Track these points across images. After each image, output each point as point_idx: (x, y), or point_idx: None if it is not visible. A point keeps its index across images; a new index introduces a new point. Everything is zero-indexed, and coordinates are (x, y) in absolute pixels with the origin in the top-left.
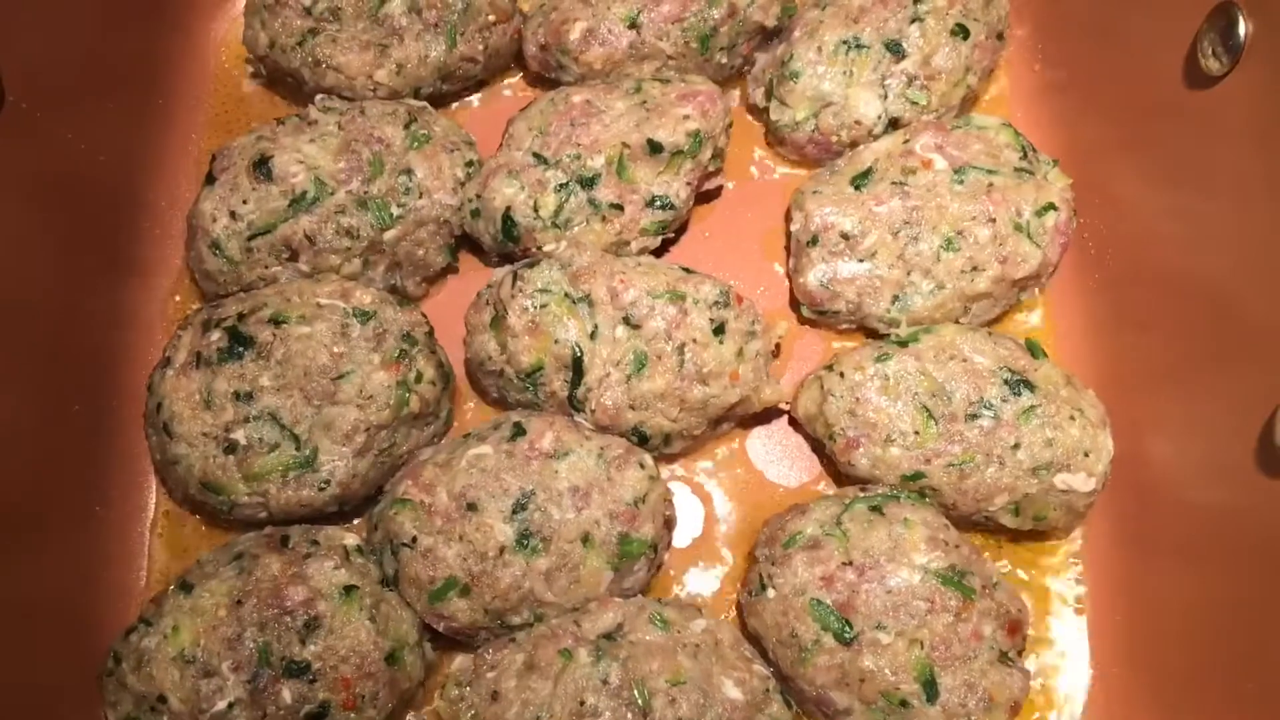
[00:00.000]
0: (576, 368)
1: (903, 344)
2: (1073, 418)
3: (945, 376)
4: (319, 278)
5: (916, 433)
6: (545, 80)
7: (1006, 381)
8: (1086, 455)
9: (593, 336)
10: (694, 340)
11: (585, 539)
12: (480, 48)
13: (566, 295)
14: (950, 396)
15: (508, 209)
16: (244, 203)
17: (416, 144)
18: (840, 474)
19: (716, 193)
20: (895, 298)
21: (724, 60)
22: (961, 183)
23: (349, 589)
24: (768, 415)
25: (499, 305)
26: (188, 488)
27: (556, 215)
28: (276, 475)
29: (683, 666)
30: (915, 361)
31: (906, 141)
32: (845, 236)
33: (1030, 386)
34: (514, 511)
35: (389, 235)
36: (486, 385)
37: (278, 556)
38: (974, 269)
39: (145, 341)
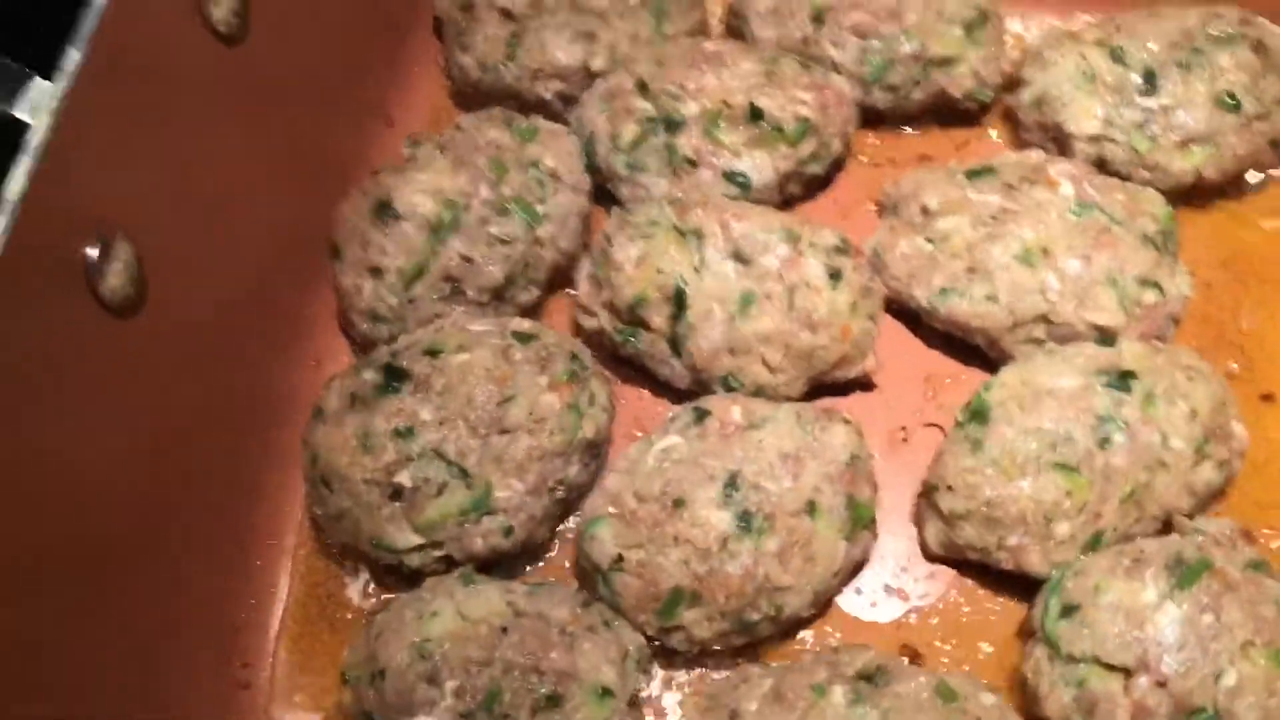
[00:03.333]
0: (679, 301)
1: (978, 416)
2: (1190, 378)
3: (1049, 419)
4: (468, 311)
5: (1069, 494)
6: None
7: (1108, 384)
8: (1225, 405)
9: (698, 270)
10: (807, 284)
11: (810, 509)
12: (686, 26)
13: (674, 227)
14: (1068, 436)
15: (592, 135)
16: (383, 254)
17: (527, 136)
18: None
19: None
20: (942, 289)
21: (881, 102)
22: (1078, 215)
23: (605, 693)
24: (851, 387)
25: (604, 241)
26: (358, 544)
27: (632, 150)
28: (452, 522)
29: None
30: (1010, 426)
31: (1046, 160)
32: (925, 211)
33: (1130, 375)
34: (726, 495)
35: (543, 231)
36: None
37: (570, 611)
38: (1040, 293)
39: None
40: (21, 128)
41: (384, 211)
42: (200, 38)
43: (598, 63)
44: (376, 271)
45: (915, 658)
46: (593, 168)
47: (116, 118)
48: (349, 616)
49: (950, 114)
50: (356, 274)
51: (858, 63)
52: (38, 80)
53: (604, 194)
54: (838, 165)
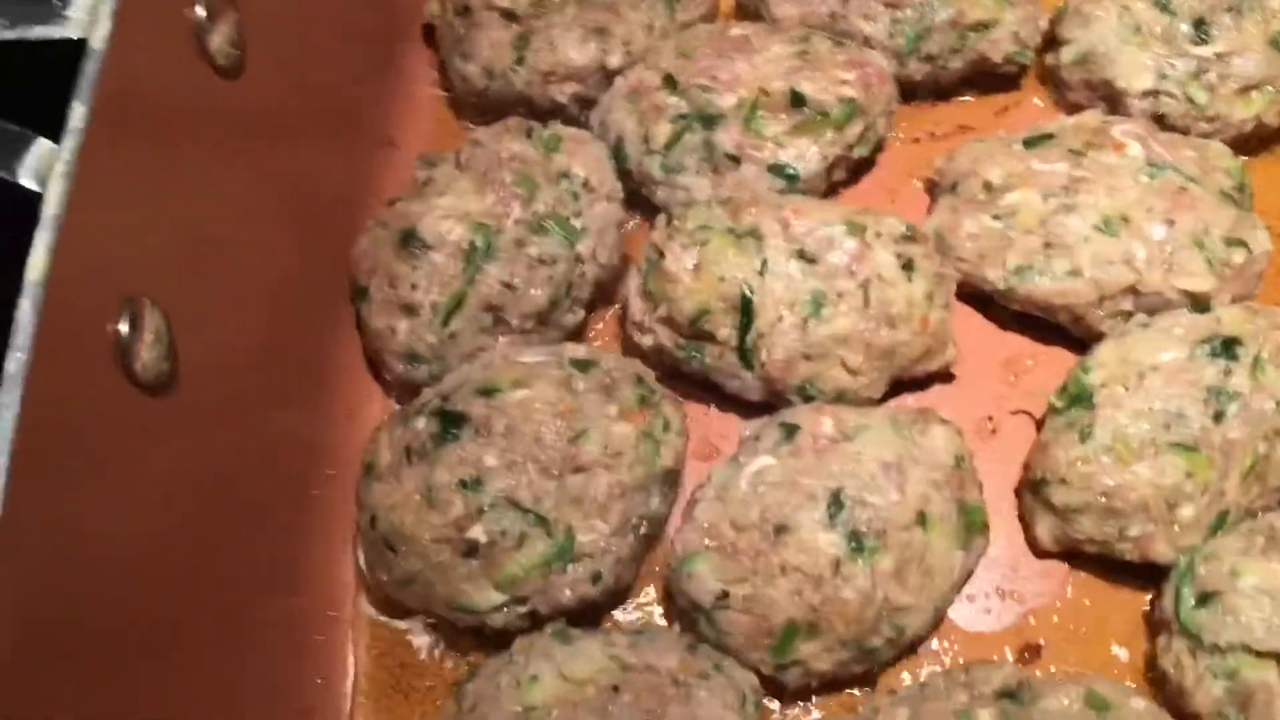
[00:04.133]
0: (746, 309)
1: (1079, 401)
2: None
3: (1158, 398)
4: (512, 341)
5: (1190, 475)
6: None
7: (1212, 353)
8: None
9: (762, 274)
10: (880, 277)
11: (922, 520)
12: (699, 11)
13: (730, 230)
14: (1181, 413)
15: (619, 138)
16: (415, 289)
17: (550, 146)
18: None
19: (855, 178)
20: (1018, 268)
21: (918, 74)
22: (1151, 177)
23: None
24: (929, 380)
25: (654, 252)
26: (432, 607)
27: (667, 150)
28: (536, 575)
29: None
30: (1116, 409)
31: (1106, 122)
32: (988, 187)
33: (1234, 340)
34: (831, 515)
35: (583, 247)
36: None
37: (679, 658)
38: (1126, 263)
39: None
40: (31, 197)
41: (410, 242)
42: (200, 74)
43: (614, 60)
44: (410, 309)
45: (1034, 658)
46: (624, 173)
47: (129, 174)
48: (425, 685)
49: (988, 80)
50: (388, 314)
51: (890, 35)
52: (41, 142)
53: (636, 200)
54: (880, 146)
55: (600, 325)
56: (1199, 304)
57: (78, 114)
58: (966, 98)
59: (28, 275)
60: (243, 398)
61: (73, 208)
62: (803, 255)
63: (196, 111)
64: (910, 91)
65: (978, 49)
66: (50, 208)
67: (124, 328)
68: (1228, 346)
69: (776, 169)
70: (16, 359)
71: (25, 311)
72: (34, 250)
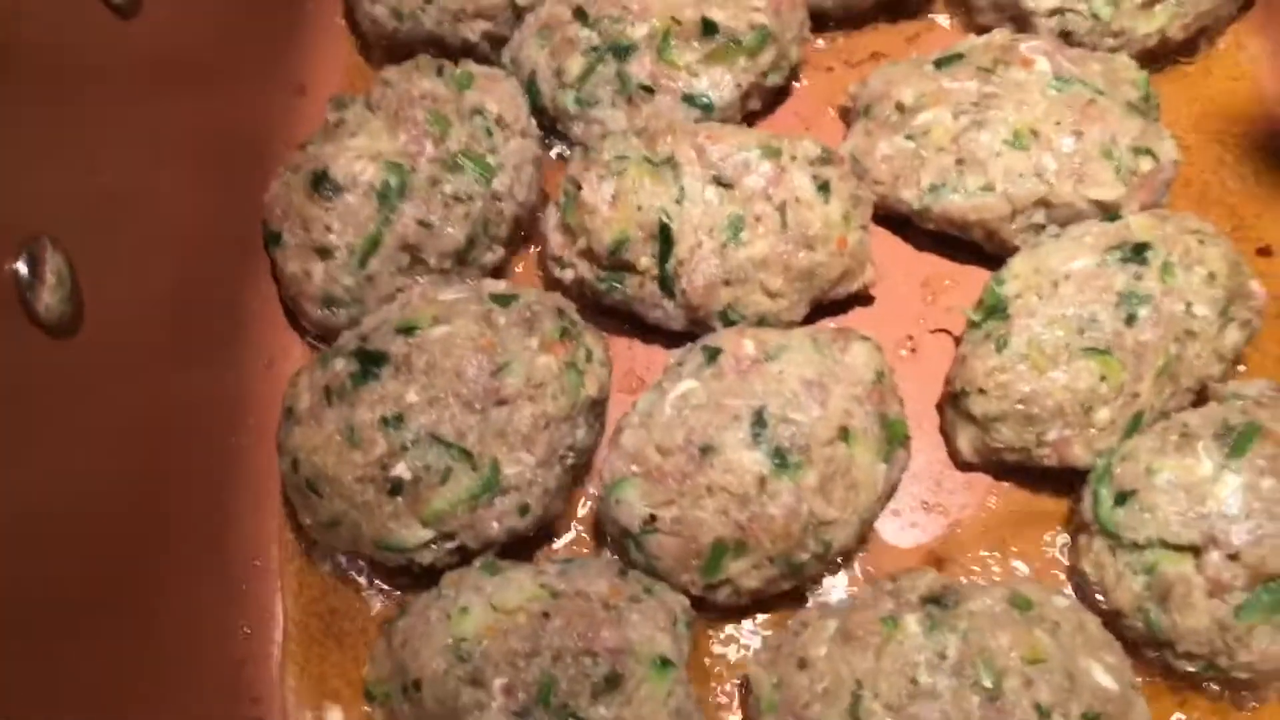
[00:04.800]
0: (665, 237)
1: (994, 312)
2: (1201, 241)
3: (1069, 305)
4: (432, 281)
5: (1104, 378)
6: None
7: (1122, 259)
8: (1239, 265)
9: (679, 201)
10: (796, 199)
11: (844, 434)
12: None
13: (646, 159)
14: (1094, 319)
15: (532, 74)
16: (329, 232)
17: (463, 84)
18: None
19: (770, 108)
20: (932, 186)
21: (830, 1)
22: (1059, 91)
23: (664, 663)
24: (849, 302)
25: (571, 185)
26: (359, 549)
27: (580, 84)
28: (463, 509)
29: (1041, 643)
30: (1030, 318)
31: (1014, 39)
32: (900, 108)
33: (1144, 246)
34: (755, 434)
35: (499, 184)
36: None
37: (609, 583)
38: (1037, 175)
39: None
40: None
41: (322, 185)
42: (95, 11)
43: None
44: (324, 252)
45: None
46: (538, 109)
47: (22, 113)
48: (357, 628)
49: (897, 7)
50: (302, 258)
51: None
52: None
53: (552, 135)
54: (794, 75)
55: (521, 265)
56: (1109, 213)
57: None
58: (879, 24)
59: None
60: (155, 346)
61: None
62: (719, 181)
63: (93, 52)
64: (823, 21)
65: None
66: None
67: (22, 268)
68: (1138, 251)
69: (691, 98)
70: None
71: None
72: None
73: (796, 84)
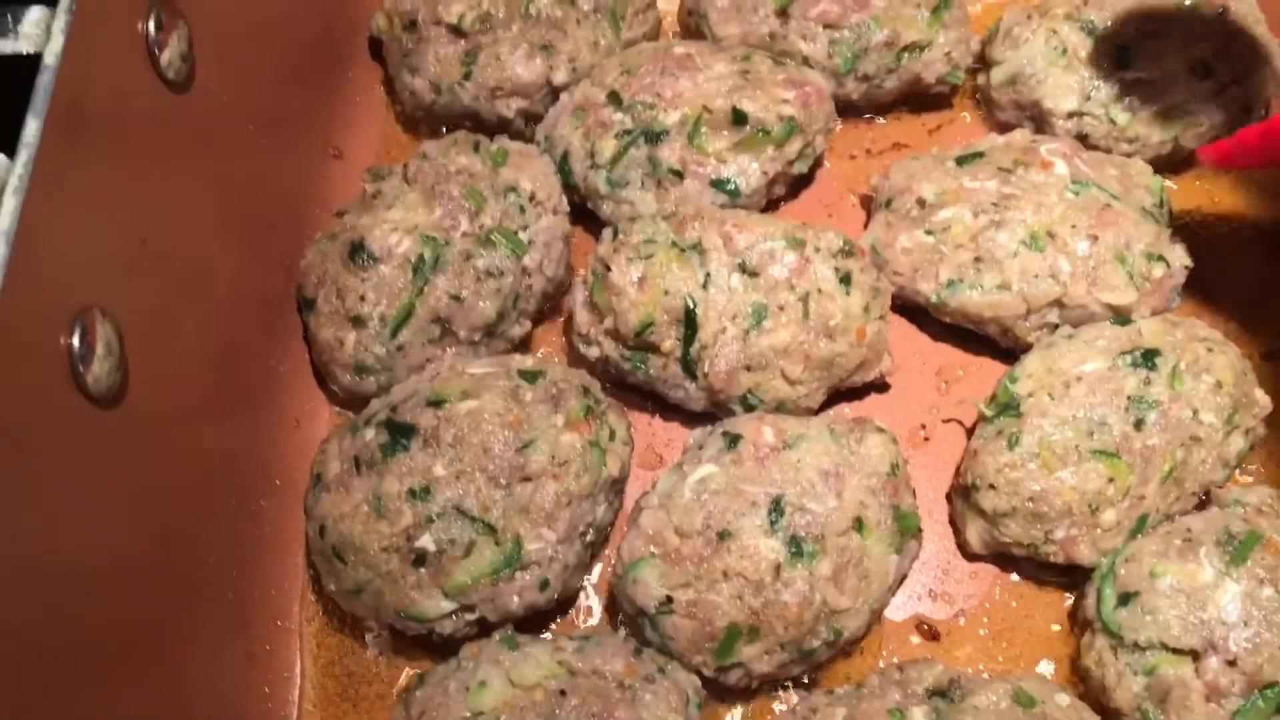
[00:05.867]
0: (690, 321)
1: (1007, 409)
2: (1210, 349)
3: (1080, 407)
4: (460, 353)
5: (1111, 480)
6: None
7: (1133, 364)
8: (1245, 374)
9: (705, 286)
10: (819, 290)
11: (859, 525)
12: (643, 30)
13: (674, 244)
14: (1104, 421)
15: (565, 153)
16: (363, 301)
17: (498, 160)
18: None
19: (794, 193)
20: (950, 281)
21: (855, 93)
22: (1076, 194)
23: None
24: (865, 390)
25: (600, 265)
26: (381, 617)
27: (613, 166)
28: (485, 583)
29: None
30: (1042, 417)
31: (1034, 141)
32: (921, 203)
33: (1154, 352)
34: (772, 522)
35: (529, 260)
36: None
37: (624, 662)
38: (1052, 276)
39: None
40: None
41: (358, 254)
42: (151, 86)
43: (560, 76)
44: (358, 320)
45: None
46: (569, 187)
47: (81, 187)
48: (374, 693)
49: (921, 99)
50: (336, 326)
51: (829, 55)
52: None
53: (581, 214)
54: (818, 163)
55: (546, 337)
56: (1120, 316)
57: (31, 129)
58: (902, 115)
59: None
60: (190, 408)
61: (26, 222)
62: (744, 269)
63: (147, 123)
64: (847, 109)
65: (912, 69)
66: (4, 222)
67: (75, 341)
68: (1148, 357)
69: (719, 184)
70: None
71: None
72: None
73: (820, 170)
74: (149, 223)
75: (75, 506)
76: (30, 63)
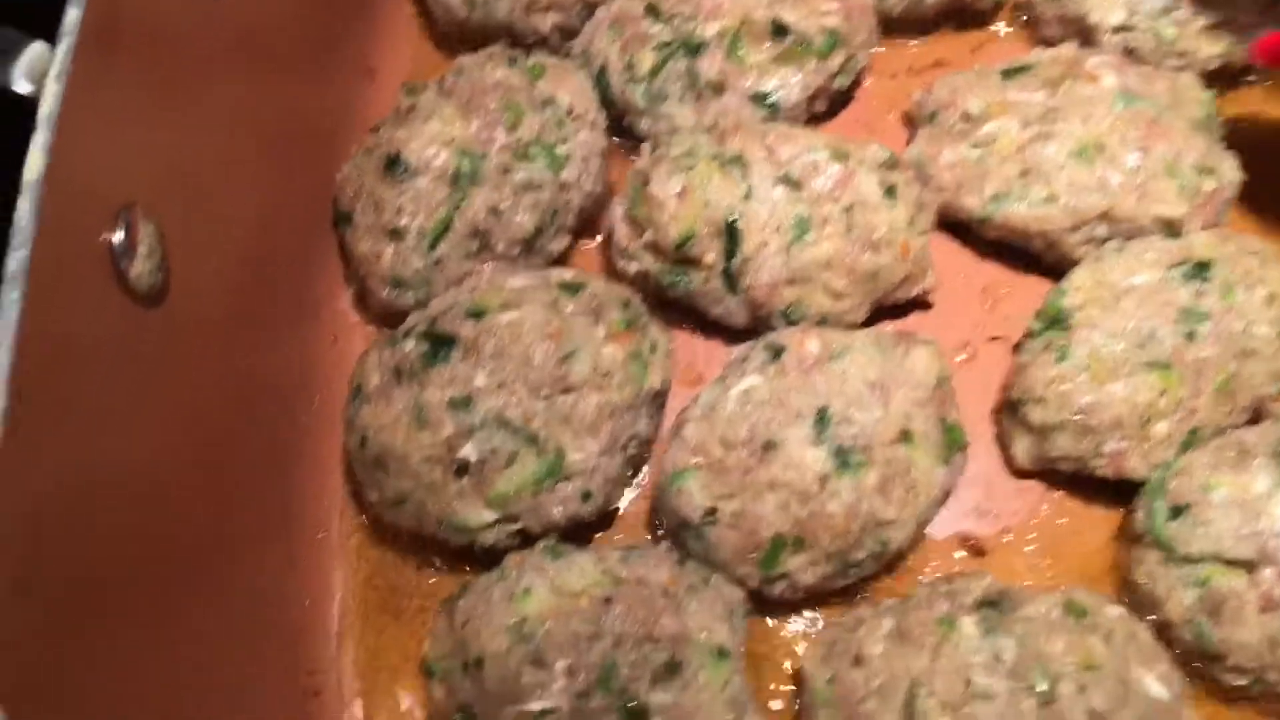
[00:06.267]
0: (731, 234)
1: (1056, 321)
2: (1262, 263)
3: (1131, 319)
4: (499, 266)
5: (1163, 393)
6: None
7: (1184, 276)
8: None
9: (747, 199)
10: (863, 203)
11: (905, 437)
12: None
13: (715, 156)
14: (1154, 333)
15: (603, 67)
16: (401, 214)
17: (536, 74)
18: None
19: (834, 111)
20: (996, 195)
21: (897, 7)
22: (1125, 106)
23: (722, 653)
24: (909, 307)
25: (639, 179)
26: (423, 527)
27: (651, 80)
28: (527, 492)
29: (1096, 650)
30: (1092, 330)
31: (1081, 54)
32: (967, 117)
33: (1205, 264)
34: (817, 432)
35: (568, 174)
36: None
37: (669, 571)
38: (1100, 189)
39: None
40: (25, 103)
41: (395, 167)
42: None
43: None
44: (396, 233)
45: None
46: (607, 101)
47: (120, 83)
48: (416, 605)
49: (964, 15)
50: (373, 239)
51: None
52: (36, 45)
53: (619, 129)
54: (859, 79)
55: (584, 261)
56: (1170, 230)
57: (71, 16)
58: (944, 33)
59: (25, 175)
60: (230, 319)
61: (67, 110)
62: (787, 180)
63: (182, 29)
64: (888, 27)
65: None
66: (46, 107)
67: (119, 236)
68: (1200, 269)
69: (759, 97)
70: (18, 257)
71: (24, 212)
72: (31, 150)
73: (860, 88)
74: (187, 129)
75: (119, 406)
76: None
